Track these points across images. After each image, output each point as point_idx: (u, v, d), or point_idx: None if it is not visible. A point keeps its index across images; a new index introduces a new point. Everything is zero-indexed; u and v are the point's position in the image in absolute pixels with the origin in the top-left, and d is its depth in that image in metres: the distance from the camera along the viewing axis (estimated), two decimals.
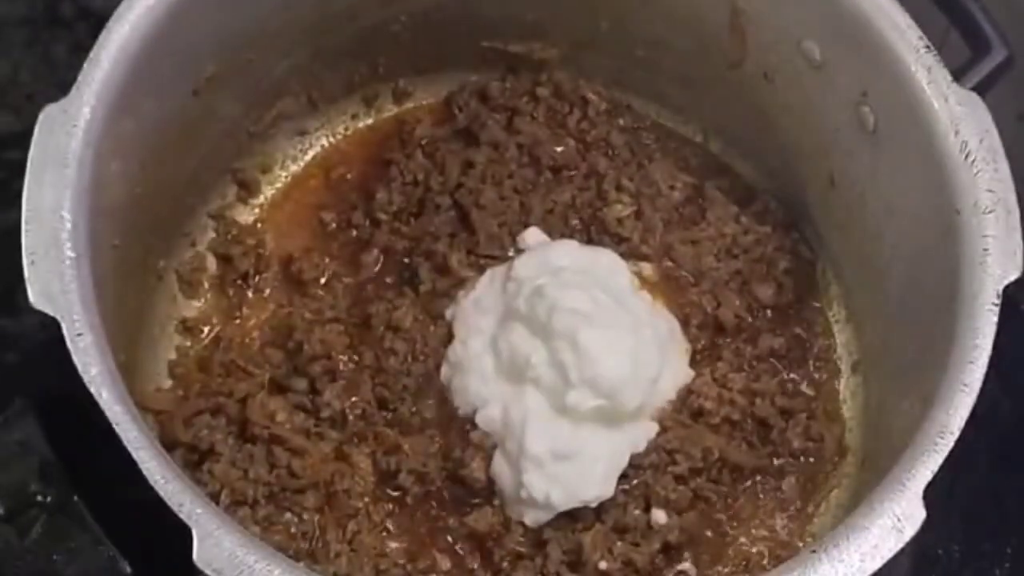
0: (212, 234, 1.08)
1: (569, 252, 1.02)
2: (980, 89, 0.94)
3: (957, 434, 0.79)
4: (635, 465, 0.96)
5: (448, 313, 1.02)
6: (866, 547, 0.75)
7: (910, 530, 0.76)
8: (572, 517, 0.94)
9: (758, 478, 1.00)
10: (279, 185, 1.12)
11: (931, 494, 0.77)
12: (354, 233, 1.08)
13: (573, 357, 0.93)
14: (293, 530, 0.93)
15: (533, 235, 1.05)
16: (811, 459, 1.01)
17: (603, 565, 0.92)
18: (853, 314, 1.08)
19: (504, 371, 0.96)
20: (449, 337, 1.00)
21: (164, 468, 0.74)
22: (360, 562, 0.92)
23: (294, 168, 1.13)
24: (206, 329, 1.04)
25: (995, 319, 0.83)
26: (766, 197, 1.12)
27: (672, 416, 0.98)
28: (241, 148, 1.09)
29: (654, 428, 0.97)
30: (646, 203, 1.08)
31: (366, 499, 0.95)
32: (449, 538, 0.95)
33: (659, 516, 0.95)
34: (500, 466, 0.94)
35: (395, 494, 0.96)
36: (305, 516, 0.93)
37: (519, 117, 1.12)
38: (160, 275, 1.03)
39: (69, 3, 1.27)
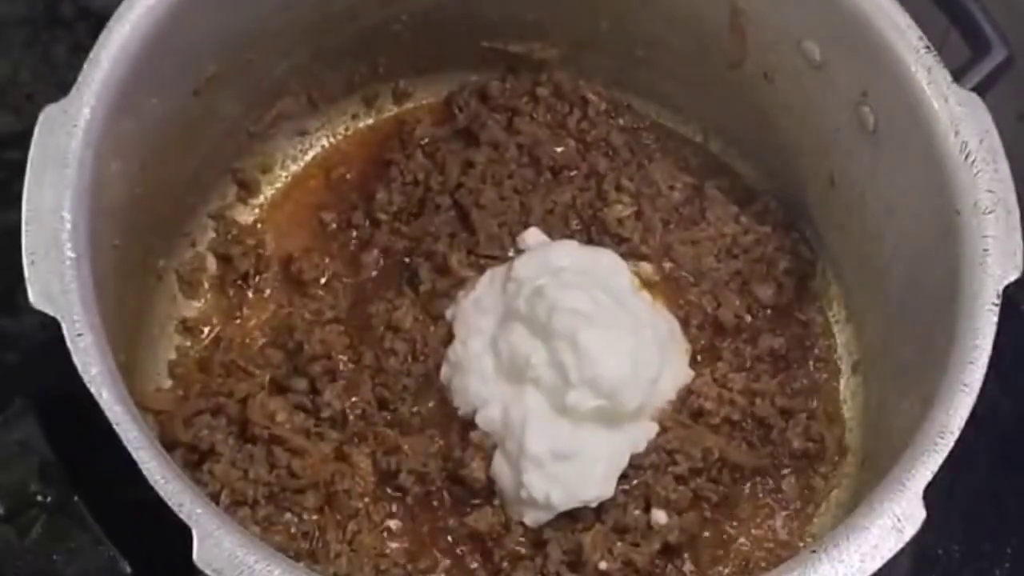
0: (212, 234, 1.08)
1: (569, 252, 1.02)
2: (980, 89, 0.94)
3: (957, 434, 0.79)
4: (635, 465, 0.96)
5: (448, 313, 1.02)
6: (866, 547, 0.75)
7: (910, 530, 0.76)
8: (572, 517, 0.94)
9: (758, 478, 1.00)
10: (279, 185, 1.12)
11: (931, 494, 0.77)
12: (354, 233, 1.08)
13: (573, 357, 0.93)
14: (293, 530, 0.93)
15: (533, 235, 1.05)
16: (811, 459, 1.01)
17: (603, 565, 0.92)
18: (853, 314, 1.08)
19: (504, 371, 0.96)
20: (449, 337, 1.00)
21: (164, 468, 0.74)
22: (360, 562, 0.92)
23: (294, 168, 1.13)
24: (206, 329, 1.04)
25: (995, 319, 0.83)
26: (766, 197, 1.12)
27: (672, 416, 0.98)
28: (241, 148, 1.09)
29: (654, 428, 0.97)
30: (646, 203, 1.08)
31: (366, 499, 0.95)
32: (449, 538, 0.95)
33: (659, 516, 0.95)
34: (500, 466, 0.94)
35: (395, 494, 0.96)
36: (305, 516, 0.93)
37: (519, 117, 1.12)
38: (160, 275, 1.03)
39: (69, 3, 1.27)
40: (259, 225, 1.10)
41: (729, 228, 1.09)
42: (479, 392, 0.96)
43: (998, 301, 0.84)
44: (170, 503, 0.72)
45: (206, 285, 1.06)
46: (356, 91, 1.14)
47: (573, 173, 1.11)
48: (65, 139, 0.83)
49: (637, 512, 0.95)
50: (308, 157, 1.14)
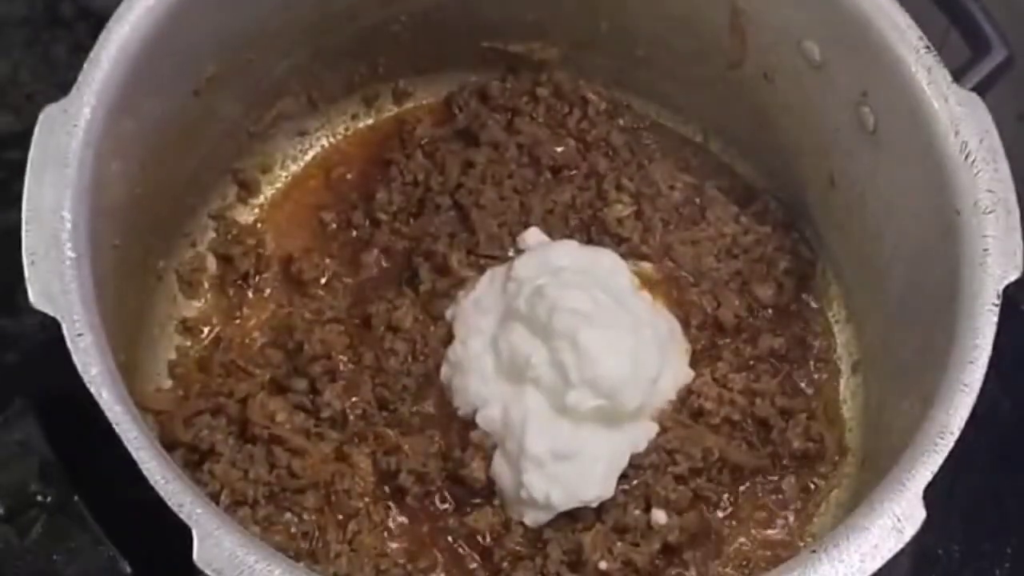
0: (212, 234, 1.08)
1: (569, 252, 1.02)
2: (980, 89, 0.94)
3: (957, 434, 0.79)
4: (635, 465, 0.96)
5: (448, 313, 1.02)
6: (866, 547, 0.75)
7: (910, 530, 0.76)
8: (572, 517, 0.94)
9: (758, 478, 1.00)
10: (279, 185, 1.12)
11: (931, 494, 0.77)
12: (354, 233, 1.08)
13: (573, 357, 0.93)
14: (293, 530, 0.93)
15: (533, 235, 1.05)
16: (811, 459, 1.01)
17: (603, 565, 0.92)
18: (853, 314, 1.08)
19: (504, 371, 0.96)
20: (449, 337, 1.00)
21: (164, 468, 0.74)
22: (360, 562, 0.92)
23: (294, 168, 1.13)
24: (206, 329, 1.04)
25: (995, 319, 0.83)
26: (766, 197, 1.12)
27: (672, 416, 0.98)
28: (241, 148, 1.09)
29: (654, 428, 0.97)
30: (646, 203, 1.09)
31: (366, 499, 0.95)
32: (449, 538, 0.95)
33: (659, 516, 0.95)
34: (500, 466, 0.94)
35: (395, 494, 0.96)
36: (305, 516, 0.93)
37: (519, 117, 1.12)
38: (160, 275, 1.03)
39: (69, 3, 1.27)
40: (259, 225, 1.10)
41: (729, 228, 1.09)
42: (479, 392, 0.96)
43: (998, 301, 0.84)
44: (170, 503, 0.72)
45: (206, 285, 1.06)
46: (356, 91, 1.14)
47: (573, 173, 1.11)
48: (65, 139, 0.83)
49: (637, 512, 0.95)
50: (308, 157, 1.14)
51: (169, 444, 0.92)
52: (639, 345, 0.96)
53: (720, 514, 0.98)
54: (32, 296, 0.78)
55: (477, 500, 0.96)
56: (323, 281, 1.06)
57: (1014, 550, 1.05)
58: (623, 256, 1.04)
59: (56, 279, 0.78)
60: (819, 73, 1.00)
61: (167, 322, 1.03)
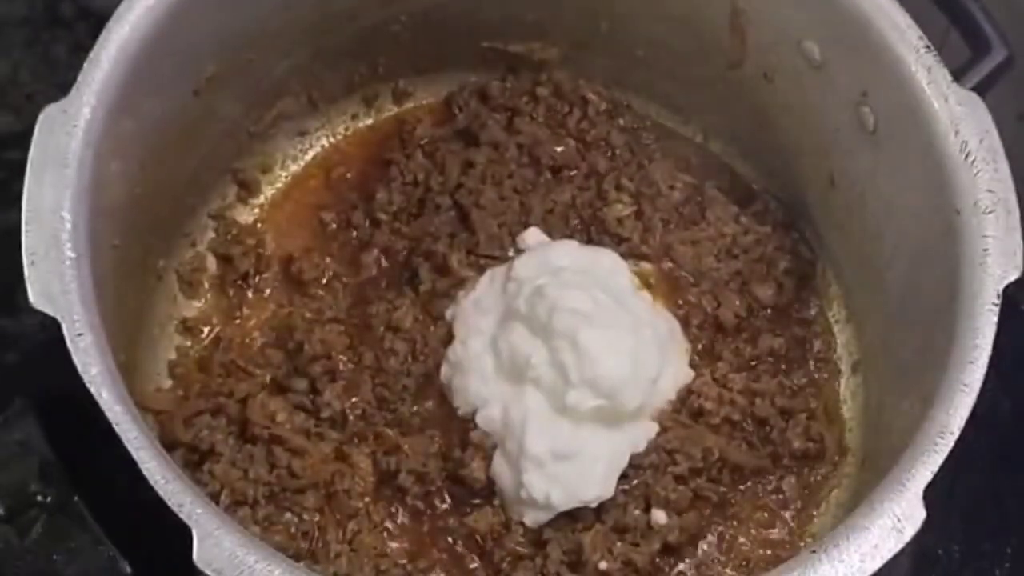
0: (212, 234, 1.08)
1: (569, 252, 1.02)
2: (980, 89, 0.94)
3: (957, 434, 0.79)
4: (635, 465, 0.96)
5: (448, 313, 1.02)
6: (866, 547, 0.75)
7: (910, 530, 0.76)
8: (572, 517, 0.94)
9: (758, 478, 1.00)
10: (279, 185, 1.12)
11: (931, 494, 0.77)
12: (354, 233, 1.08)
13: (573, 357, 0.93)
14: (293, 530, 0.93)
15: (533, 235, 1.05)
16: (811, 459, 1.01)
17: (603, 565, 0.92)
18: (853, 314, 1.08)
19: (504, 371, 0.96)
20: (449, 337, 1.00)
21: (164, 468, 0.74)
22: (360, 562, 0.92)
23: (294, 168, 1.13)
24: (206, 329, 1.04)
25: (995, 319, 0.83)
26: (766, 197, 1.12)
27: (672, 416, 0.98)
28: (241, 148, 1.09)
29: (654, 428, 0.97)
30: (646, 203, 1.09)
31: (366, 499, 0.95)
32: (449, 538, 0.95)
33: (659, 516, 0.95)
34: (500, 466, 0.94)
35: (395, 494, 0.96)
36: (305, 516, 0.93)
37: (519, 117, 1.12)
38: (160, 275, 1.03)
39: (69, 3, 1.27)
40: (259, 225, 1.10)
41: (729, 228, 1.09)
42: (479, 392, 0.96)
43: (998, 301, 0.84)
44: (170, 503, 0.72)
45: (206, 285, 1.06)
46: (356, 91, 1.14)
47: (573, 173, 1.11)
48: (65, 139, 0.83)
49: (637, 512, 0.95)
50: (308, 157, 1.14)
51: (169, 444, 0.92)
52: (639, 345, 0.96)
53: (720, 514, 0.98)
54: (32, 296, 0.78)
55: (477, 500, 0.96)
56: (323, 281, 1.06)
57: (1014, 550, 1.05)
58: (623, 256, 1.04)
59: (56, 279, 0.78)
60: (819, 73, 1.00)
61: (167, 322, 1.03)
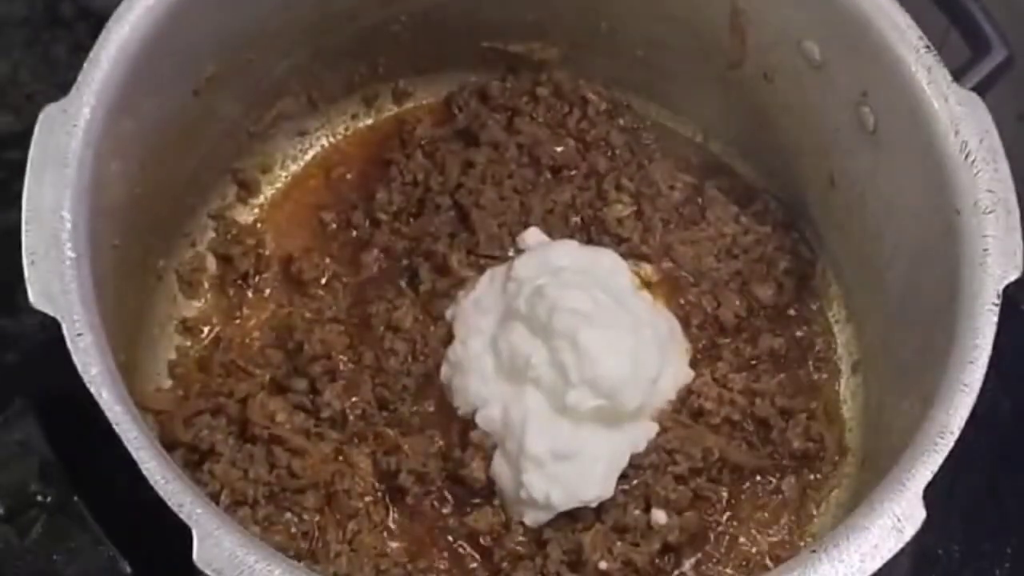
0: (212, 234, 1.08)
1: (569, 252, 1.02)
2: (980, 89, 0.94)
3: (957, 434, 0.79)
4: (635, 465, 0.96)
5: (448, 313, 1.02)
6: (866, 547, 0.75)
7: (910, 530, 0.76)
8: (572, 517, 0.94)
9: (758, 478, 1.00)
10: (279, 185, 1.12)
11: (931, 494, 0.77)
12: (354, 233, 1.08)
13: (573, 357, 0.93)
14: (293, 530, 0.93)
15: (533, 235, 1.05)
16: (811, 459, 1.01)
17: (603, 565, 0.92)
18: (853, 314, 1.08)
19: (504, 371, 0.96)
20: (449, 337, 1.00)
21: (164, 468, 0.74)
22: (360, 562, 0.92)
23: (294, 168, 1.13)
24: (206, 329, 1.04)
25: (995, 319, 0.83)
26: (766, 197, 1.12)
27: (672, 416, 0.98)
28: (241, 148, 1.09)
29: (654, 428, 0.97)
30: (646, 203, 1.09)
31: (366, 499, 0.95)
32: (449, 538, 0.95)
33: (659, 516, 0.95)
34: (500, 466, 0.94)
35: (395, 494, 0.96)
36: (305, 516, 0.93)
37: (519, 117, 1.12)
38: (160, 275, 1.03)
39: (69, 3, 1.27)
40: (259, 225, 1.10)
41: (729, 228, 1.09)
42: (479, 392, 0.96)
43: (998, 301, 0.84)
44: (170, 503, 0.72)
45: (206, 285, 1.06)
46: (356, 91, 1.14)
47: (573, 173, 1.11)
48: (65, 139, 0.83)
49: (637, 512, 0.95)
50: (308, 157, 1.14)
51: (169, 444, 0.92)
52: (639, 345, 0.96)
53: (720, 514, 0.98)
54: (32, 296, 0.78)
55: (477, 500, 0.96)
56: (323, 281, 1.06)
57: (1014, 550, 1.05)
58: (623, 256, 1.04)
59: (56, 279, 0.78)
60: (819, 73, 1.00)
61: (167, 322, 1.03)
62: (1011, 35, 0.99)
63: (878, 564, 0.75)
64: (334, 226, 1.09)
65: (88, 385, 0.76)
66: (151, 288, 1.02)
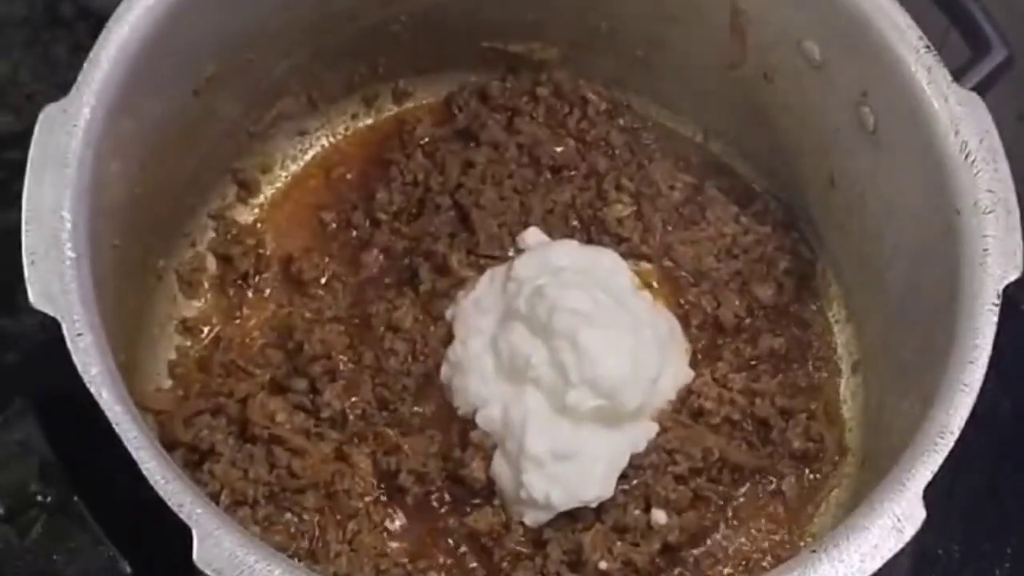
0: (212, 234, 1.08)
1: (569, 252, 1.02)
2: (980, 89, 0.94)
3: (957, 434, 0.79)
4: (635, 465, 0.96)
5: (448, 313, 1.02)
6: (866, 547, 0.75)
7: (910, 530, 0.76)
8: (572, 517, 0.94)
9: (758, 478, 1.00)
10: (279, 185, 1.12)
11: (931, 494, 0.77)
12: (354, 233, 1.08)
13: (573, 357, 0.93)
14: (293, 530, 0.93)
15: (533, 235, 1.05)
16: (811, 459, 1.01)
17: (603, 565, 0.92)
18: (853, 314, 1.08)
19: (504, 371, 0.96)
20: (449, 337, 1.00)
21: (164, 468, 0.74)
22: (360, 562, 0.92)
23: (294, 168, 1.13)
24: (206, 329, 1.04)
25: (995, 319, 0.83)
26: (766, 197, 1.12)
27: (672, 416, 0.98)
28: (241, 148, 1.09)
29: (654, 428, 0.97)
30: (646, 203, 1.09)
31: (366, 499, 0.95)
32: (449, 538, 0.95)
33: (659, 516, 0.95)
34: (500, 466, 0.94)
35: (395, 494, 0.96)
36: (305, 516, 0.93)
37: (519, 117, 1.12)
38: (160, 275, 1.03)
39: (69, 3, 1.27)
40: (259, 225, 1.10)
41: (729, 228, 1.09)
42: (479, 392, 0.96)
43: (998, 301, 0.84)
44: (170, 503, 0.72)
45: (206, 285, 1.06)
46: (356, 91, 1.14)
47: (573, 173, 1.11)
48: (65, 139, 0.83)
49: (637, 512, 0.95)
50: (308, 157, 1.14)
51: (169, 444, 0.92)
52: (639, 345, 0.96)
53: (720, 514, 0.98)
54: (32, 296, 0.78)
55: (477, 500, 0.96)
56: (323, 281, 1.06)
57: (1014, 550, 1.05)
58: (623, 256, 1.04)
59: (56, 279, 0.78)
60: (819, 73, 1.00)
61: (167, 322, 1.03)
62: (1011, 35, 0.99)
63: (878, 564, 0.75)
64: (334, 226, 1.09)
65: (88, 385, 0.76)
66: (151, 288, 1.02)
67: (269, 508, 0.92)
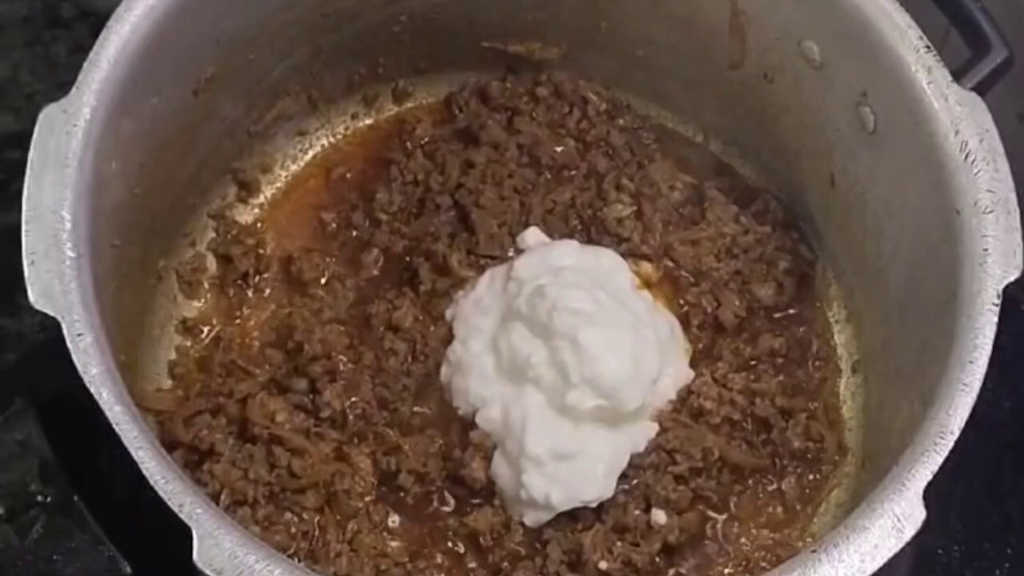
0: (212, 234, 1.08)
1: (569, 252, 1.02)
2: (980, 89, 0.94)
3: (957, 434, 0.79)
4: (635, 465, 0.96)
5: (448, 313, 1.02)
6: (866, 547, 0.75)
7: (910, 530, 0.76)
8: (572, 517, 0.94)
9: (758, 478, 1.00)
10: (279, 185, 1.12)
11: (931, 494, 0.77)
12: (354, 233, 1.08)
13: (573, 357, 0.93)
14: (293, 530, 0.93)
15: (533, 235, 1.05)
16: (811, 459, 1.01)
17: (603, 565, 0.92)
18: (853, 314, 1.08)
19: (504, 371, 0.96)
20: (449, 337, 1.00)
21: (164, 468, 0.74)
22: (360, 562, 0.92)
23: (294, 168, 1.13)
24: (206, 329, 1.04)
25: (995, 319, 0.83)
26: (766, 197, 1.12)
27: (672, 416, 0.98)
28: (241, 148, 1.09)
29: (654, 428, 0.97)
30: (646, 203, 1.09)
31: (366, 499, 0.95)
32: (449, 538, 0.95)
33: (659, 516, 0.95)
34: (500, 466, 0.94)
35: (395, 494, 0.96)
36: (305, 516, 0.93)
37: (519, 117, 1.12)
38: (160, 275, 1.03)
39: (69, 3, 1.27)
40: (259, 225, 1.10)
41: (729, 228, 1.09)
42: (479, 392, 0.96)
43: (998, 301, 0.84)
44: (170, 503, 0.72)
45: (206, 285, 1.06)
46: (356, 91, 1.14)
47: (573, 173, 1.11)
48: (65, 139, 0.83)
49: (637, 512, 0.95)
50: (308, 157, 1.14)
51: (169, 444, 0.92)
52: (639, 345, 0.96)
53: (720, 514, 0.98)
54: (32, 296, 0.78)
55: (477, 500, 0.96)
56: (323, 281, 1.06)
57: (1014, 550, 1.05)
58: (623, 256, 1.04)
59: (56, 279, 0.78)
60: (819, 73, 1.00)
61: (167, 322, 1.03)
62: (1011, 35, 0.99)
63: (878, 564, 0.75)
64: (334, 226, 1.09)
65: (88, 385, 0.76)
66: (151, 288, 1.02)
67: (269, 508, 0.92)
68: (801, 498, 1.00)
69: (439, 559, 0.95)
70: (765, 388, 1.02)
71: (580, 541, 0.92)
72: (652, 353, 0.97)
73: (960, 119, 0.90)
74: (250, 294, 1.06)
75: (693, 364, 1.02)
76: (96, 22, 0.88)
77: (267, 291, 1.06)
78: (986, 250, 0.86)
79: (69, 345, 0.76)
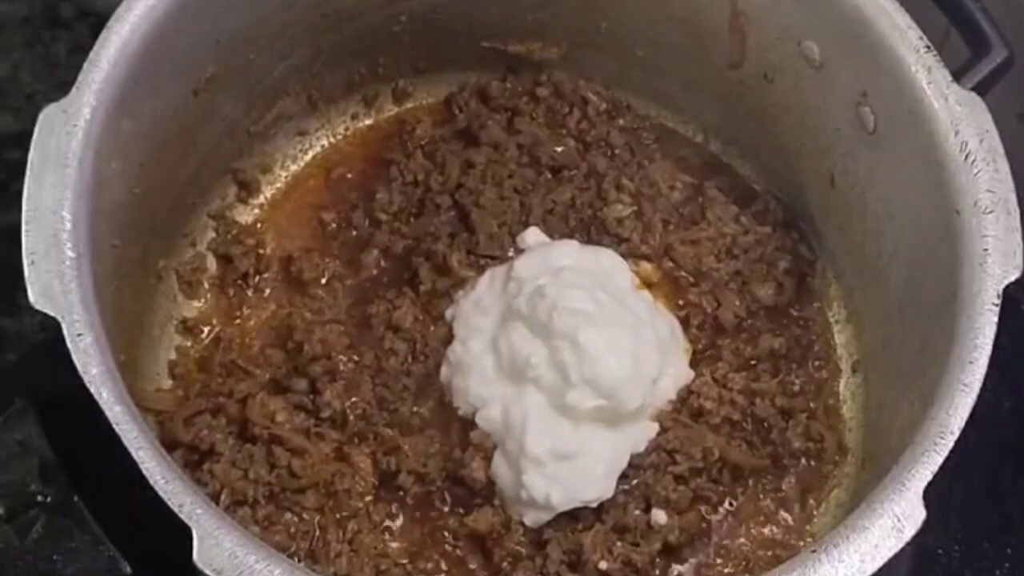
0: (212, 234, 1.08)
1: (569, 252, 1.02)
2: (980, 89, 0.94)
3: (957, 434, 0.79)
4: (635, 465, 0.96)
5: (448, 313, 1.02)
6: (866, 547, 0.75)
7: (910, 530, 0.76)
8: (572, 517, 0.94)
9: (758, 478, 1.00)
10: (279, 185, 1.12)
11: (931, 494, 0.77)
12: (354, 233, 1.08)
13: (574, 357, 0.93)
14: (293, 530, 0.93)
15: (533, 235, 1.05)
16: (811, 459, 1.01)
17: (603, 565, 0.92)
18: (853, 314, 1.08)
19: (504, 371, 0.96)
20: (449, 337, 1.00)
21: (164, 468, 0.74)
22: (360, 562, 0.92)
23: (294, 168, 1.13)
24: (206, 329, 1.04)
25: (995, 319, 0.83)
26: (766, 197, 1.12)
27: (672, 416, 0.98)
28: (241, 148, 1.09)
29: (654, 428, 0.97)
30: (646, 203, 1.09)
31: (366, 499, 0.95)
32: (449, 538, 0.95)
33: (659, 516, 0.95)
34: (500, 466, 0.94)
35: (395, 494, 0.96)
36: (305, 516, 0.93)
37: (519, 117, 1.12)
38: (160, 275, 1.03)
39: (69, 3, 1.27)
40: (259, 225, 1.10)
41: (729, 228, 1.09)
42: (479, 392, 0.96)
43: (998, 301, 0.84)
44: (170, 503, 0.72)
45: (206, 285, 1.06)
46: (356, 91, 1.14)
47: (573, 173, 1.11)
48: (65, 139, 0.83)
49: (637, 512, 0.95)
50: (308, 157, 1.14)
51: (169, 444, 0.92)
52: (639, 345, 0.96)
53: (720, 514, 0.98)
54: (32, 296, 0.78)
55: (477, 500, 0.95)
56: (323, 281, 1.06)
57: (1014, 550, 1.05)
58: (623, 256, 1.04)
59: (56, 279, 0.78)
60: (819, 73, 1.00)
61: (167, 322, 1.03)
62: (1011, 35, 0.99)
63: (878, 564, 0.75)
64: (334, 226, 1.09)
65: (88, 385, 0.76)
66: (151, 288, 1.02)
67: (269, 508, 0.92)
68: (801, 498, 1.00)
69: (439, 559, 0.95)
70: (765, 388, 1.02)
71: (580, 541, 0.92)
72: (652, 353, 0.97)
73: (960, 119, 0.90)
74: (250, 294, 1.06)
75: (693, 364, 1.02)
76: (96, 22, 0.88)
77: (267, 291, 1.06)
78: (986, 250, 0.86)
79: (69, 345, 0.76)
